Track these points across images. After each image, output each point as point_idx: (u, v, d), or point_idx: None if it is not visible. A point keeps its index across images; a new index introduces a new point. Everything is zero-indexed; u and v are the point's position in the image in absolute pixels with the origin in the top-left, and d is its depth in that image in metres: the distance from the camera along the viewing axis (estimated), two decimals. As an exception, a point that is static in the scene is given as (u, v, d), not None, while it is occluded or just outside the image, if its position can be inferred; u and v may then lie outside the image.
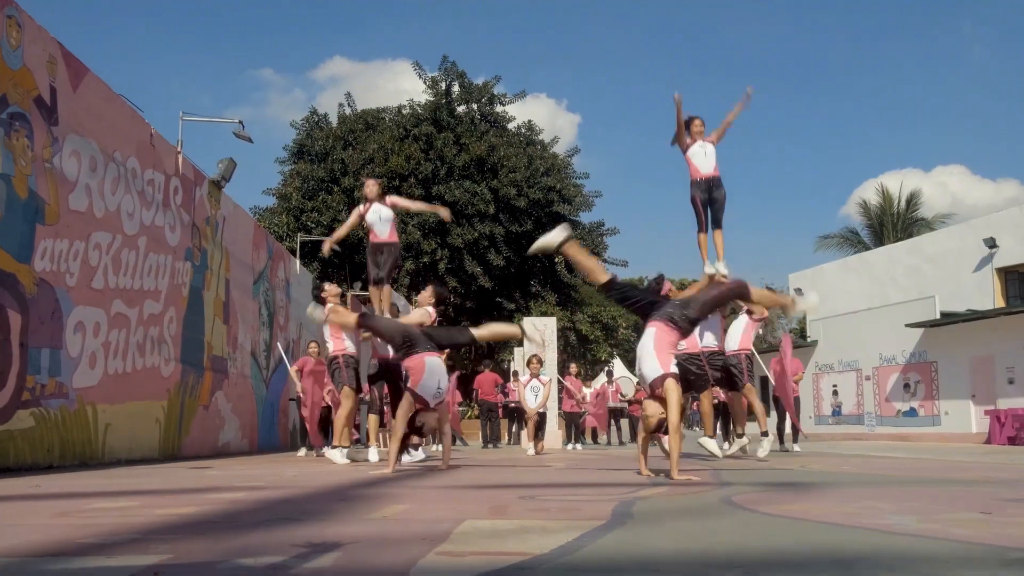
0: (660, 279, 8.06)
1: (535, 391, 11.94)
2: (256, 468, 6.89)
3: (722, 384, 8.19)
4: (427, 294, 7.89)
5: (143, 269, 8.95)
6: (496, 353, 30.09)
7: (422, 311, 7.61)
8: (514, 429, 17.86)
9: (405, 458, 7.77)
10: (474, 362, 30.64)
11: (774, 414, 13.39)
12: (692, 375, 7.74)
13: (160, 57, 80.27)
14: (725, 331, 8.22)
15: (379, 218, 8.19)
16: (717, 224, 7.80)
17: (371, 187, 8.34)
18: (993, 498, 3.49)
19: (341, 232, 8.76)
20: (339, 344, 7.86)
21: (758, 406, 7.91)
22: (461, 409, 20.55)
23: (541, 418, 11.96)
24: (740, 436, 8.17)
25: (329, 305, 7.67)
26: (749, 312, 8.14)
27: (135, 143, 8.79)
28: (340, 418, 7.69)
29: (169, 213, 9.61)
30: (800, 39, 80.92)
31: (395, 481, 4.83)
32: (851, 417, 25.86)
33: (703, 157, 7.85)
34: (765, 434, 7.75)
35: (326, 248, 8.99)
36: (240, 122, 10.94)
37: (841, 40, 79.28)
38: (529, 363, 12.18)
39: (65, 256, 7.37)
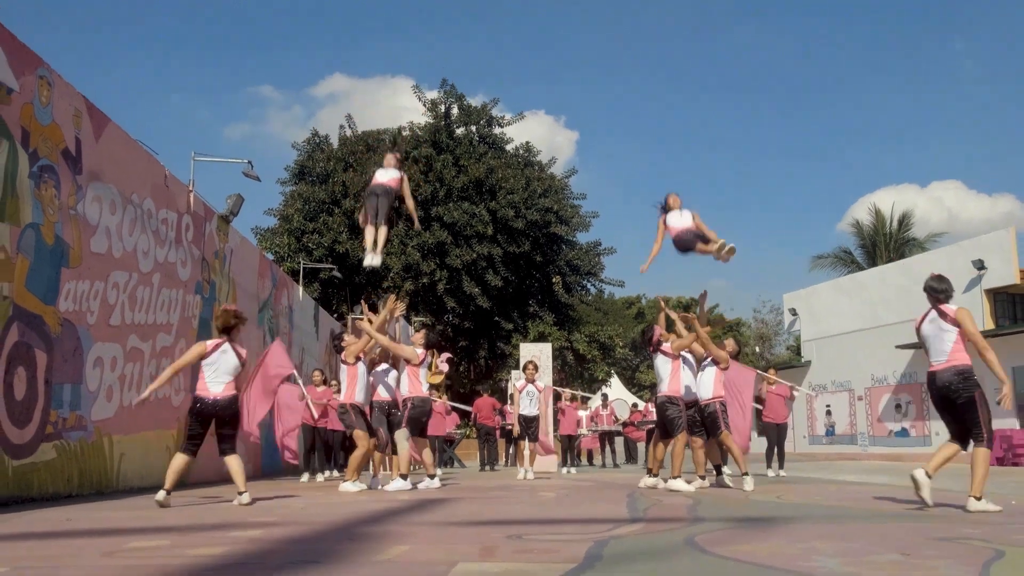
0: (650, 328, 8.59)
1: (531, 396, 11.85)
2: (263, 497, 7.34)
3: (698, 430, 8.71)
4: (419, 336, 8.96)
5: (156, 304, 9.42)
6: (494, 374, 30.55)
7: (412, 349, 8.73)
8: (511, 451, 18.29)
9: (421, 485, 8.47)
10: (473, 382, 31.09)
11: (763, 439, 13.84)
12: (669, 417, 8.21)
13: (160, 73, 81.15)
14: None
15: (386, 176, 9.25)
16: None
17: (389, 160, 9.45)
18: (922, 536, 3.95)
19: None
20: (351, 393, 8.57)
21: (736, 451, 8.36)
22: (459, 432, 20.96)
23: (533, 427, 11.84)
24: (712, 474, 8.67)
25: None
26: (715, 362, 8.63)
27: (151, 185, 9.29)
28: (356, 458, 8.46)
29: (181, 249, 10.09)
30: (796, 55, 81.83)
31: (395, 517, 5.28)
32: (845, 437, 26.30)
33: (679, 217, 8.70)
34: (746, 474, 8.22)
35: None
36: (249, 162, 11.45)
37: (838, 55, 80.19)
38: (525, 368, 11.95)
39: (86, 296, 7.85)
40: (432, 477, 8.90)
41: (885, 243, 35.79)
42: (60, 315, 7.39)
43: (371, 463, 9.57)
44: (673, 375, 8.34)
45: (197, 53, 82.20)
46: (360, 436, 8.38)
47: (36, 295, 7.02)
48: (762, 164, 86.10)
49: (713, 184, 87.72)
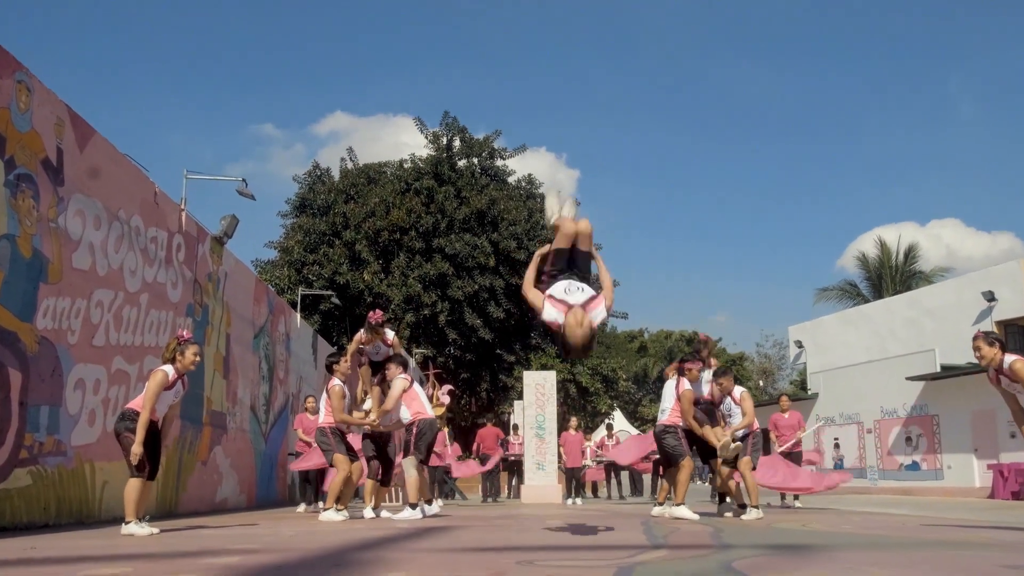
0: (699, 354, 8.16)
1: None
2: (253, 526, 6.84)
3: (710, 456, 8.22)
4: (393, 370, 8.10)
5: (144, 326, 8.99)
6: (496, 406, 29.99)
7: (399, 383, 7.96)
8: (514, 483, 17.74)
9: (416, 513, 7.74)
10: (475, 414, 30.50)
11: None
12: (668, 446, 7.79)
13: (161, 112, 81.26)
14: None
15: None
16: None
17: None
18: (997, 564, 3.46)
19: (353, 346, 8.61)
20: (329, 417, 8.00)
21: (750, 481, 7.94)
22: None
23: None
24: (735, 505, 8.22)
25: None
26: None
27: (139, 201, 8.90)
28: (336, 484, 7.81)
29: (171, 270, 9.68)
30: (795, 93, 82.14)
31: (392, 544, 4.80)
32: (854, 470, 25.59)
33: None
34: (756, 507, 7.83)
35: None
36: (243, 180, 11.09)
37: (836, 94, 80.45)
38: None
39: (67, 314, 7.41)
40: (429, 503, 8.33)
41: (891, 276, 35.39)
42: (37, 333, 6.94)
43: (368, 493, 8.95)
44: (675, 406, 7.93)
45: (199, 91, 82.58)
46: (340, 460, 7.82)
47: (11, 310, 6.57)
48: (761, 201, 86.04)
49: (713, 219, 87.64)
